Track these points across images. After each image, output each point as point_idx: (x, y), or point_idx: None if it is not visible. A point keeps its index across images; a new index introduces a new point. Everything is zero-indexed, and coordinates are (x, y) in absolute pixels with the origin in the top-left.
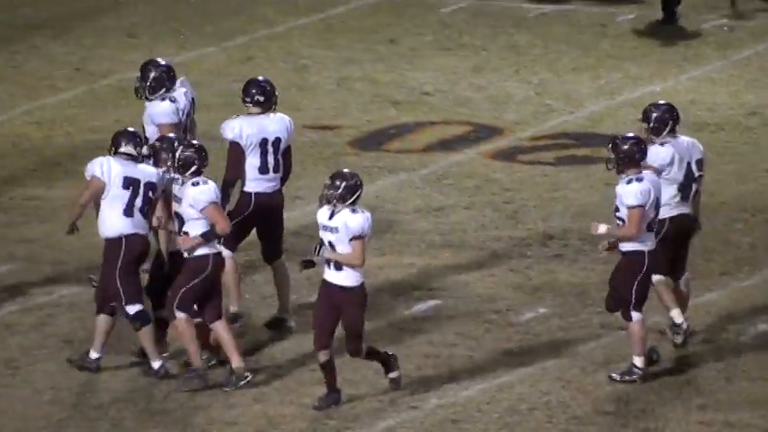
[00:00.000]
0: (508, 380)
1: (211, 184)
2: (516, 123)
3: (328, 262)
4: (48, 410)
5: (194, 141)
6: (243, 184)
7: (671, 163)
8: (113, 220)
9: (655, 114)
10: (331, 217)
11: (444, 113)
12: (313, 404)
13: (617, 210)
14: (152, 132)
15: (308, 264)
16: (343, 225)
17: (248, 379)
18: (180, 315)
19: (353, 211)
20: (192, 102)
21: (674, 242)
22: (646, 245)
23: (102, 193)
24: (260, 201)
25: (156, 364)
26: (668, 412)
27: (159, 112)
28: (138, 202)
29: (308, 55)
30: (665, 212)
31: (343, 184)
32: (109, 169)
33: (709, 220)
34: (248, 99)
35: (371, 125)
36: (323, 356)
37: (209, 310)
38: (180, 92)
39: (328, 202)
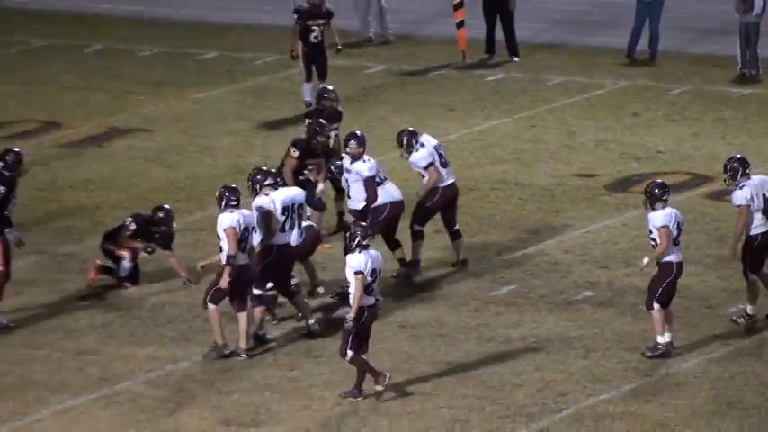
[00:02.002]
0: (716, 356)
1: (236, 213)
2: (723, 174)
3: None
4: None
5: (232, 185)
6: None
7: (752, 198)
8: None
9: (729, 165)
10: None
11: (672, 166)
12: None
13: (651, 232)
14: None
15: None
16: (347, 262)
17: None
18: (211, 306)
19: (353, 251)
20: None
21: (761, 251)
22: (674, 257)
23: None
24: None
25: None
26: None
27: (362, 169)
28: (289, 221)
29: (576, 124)
30: (756, 231)
31: (347, 235)
32: (274, 202)
33: None
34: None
35: (620, 174)
36: (352, 359)
37: (238, 302)
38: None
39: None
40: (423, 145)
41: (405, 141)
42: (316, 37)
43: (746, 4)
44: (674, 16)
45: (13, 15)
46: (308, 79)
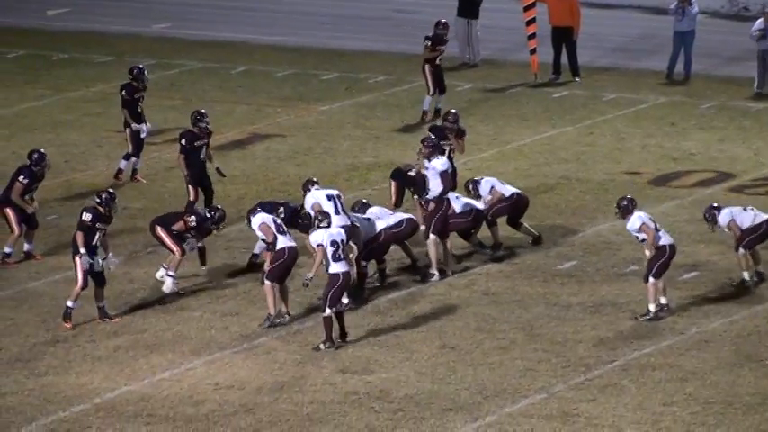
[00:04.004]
0: (736, 318)
1: (262, 215)
2: (743, 171)
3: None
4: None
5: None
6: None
7: (730, 213)
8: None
9: (708, 213)
10: None
11: (702, 165)
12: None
13: (636, 236)
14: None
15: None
16: (309, 238)
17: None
18: (268, 282)
19: (312, 228)
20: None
21: (764, 235)
22: (665, 241)
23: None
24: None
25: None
26: None
27: (436, 165)
28: (339, 205)
29: (625, 131)
30: (758, 220)
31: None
32: (317, 198)
33: None
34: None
35: (660, 172)
36: (327, 317)
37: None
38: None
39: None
40: (480, 183)
41: (470, 188)
42: (439, 59)
43: (761, 33)
44: (704, 45)
45: (174, 43)
46: (432, 93)
